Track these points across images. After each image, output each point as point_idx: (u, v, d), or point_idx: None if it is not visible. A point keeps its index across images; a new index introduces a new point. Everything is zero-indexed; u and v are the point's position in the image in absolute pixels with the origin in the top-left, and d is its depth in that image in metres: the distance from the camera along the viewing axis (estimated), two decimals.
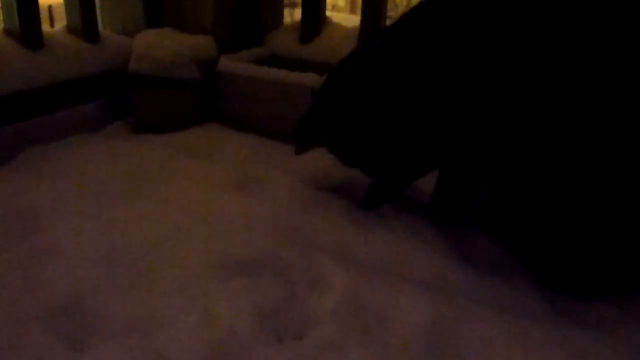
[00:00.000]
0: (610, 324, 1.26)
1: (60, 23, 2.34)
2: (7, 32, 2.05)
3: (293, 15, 3.78)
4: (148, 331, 1.16)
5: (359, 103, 1.50)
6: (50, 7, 3.51)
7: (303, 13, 2.42)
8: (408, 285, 1.31)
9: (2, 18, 2.14)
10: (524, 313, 1.26)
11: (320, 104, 1.61)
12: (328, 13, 2.56)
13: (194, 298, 1.24)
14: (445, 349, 1.15)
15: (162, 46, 2.13)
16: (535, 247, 1.38)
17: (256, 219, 1.55)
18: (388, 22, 2.46)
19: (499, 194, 1.43)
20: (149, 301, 1.24)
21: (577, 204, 1.26)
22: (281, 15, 2.68)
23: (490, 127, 1.35)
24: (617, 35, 1.19)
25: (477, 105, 1.35)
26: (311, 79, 2.00)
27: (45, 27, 2.19)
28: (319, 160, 1.86)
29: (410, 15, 1.48)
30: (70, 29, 2.22)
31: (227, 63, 2.18)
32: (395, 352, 1.13)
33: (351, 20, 2.52)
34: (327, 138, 1.63)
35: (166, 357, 1.10)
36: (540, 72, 1.26)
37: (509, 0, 1.31)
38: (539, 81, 1.26)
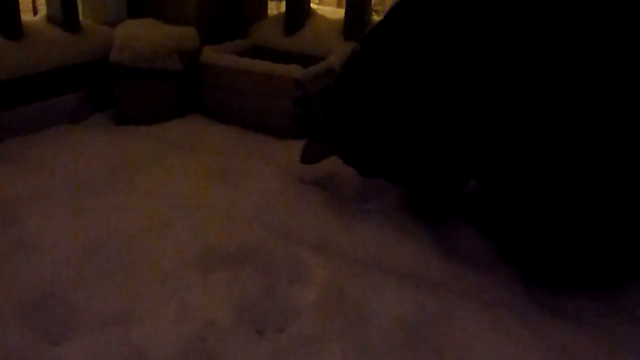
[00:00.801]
0: (591, 317, 1.26)
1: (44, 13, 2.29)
2: None
3: (280, 7, 3.76)
4: (125, 325, 1.14)
5: (358, 110, 1.49)
6: None
7: (287, 5, 2.40)
8: (391, 278, 1.31)
9: None
10: (507, 306, 1.26)
11: (328, 112, 1.58)
12: (315, 6, 2.55)
13: (173, 291, 1.22)
14: (427, 343, 1.14)
15: (143, 37, 2.09)
16: (519, 240, 1.38)
17: (237, 211, 1.53)
18: (374, 17, 2.45)
19: (485, 187, 1.42)
20: (127, 294, 1.22)
21: (560, 197, 1.26)
22: (265, 6, 2.65)
23: (479, 123, 1.35)
24: (607, 37, 1.19)
25: (467, 102, 1.34)
26: (295, 71, 1.99)
27: (27, 16, 2.15)
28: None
29: (392, 16, 1.47)
30: (50, 18, 2.18)
31: (210, 54, 2.16)
32: (377, 345, 1.13)
33: (338, 14, 2.50)
34: (339, 147, 1.59)
35: (143, 351, 1.08)
36: (530, 67, 1.25)
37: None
38: (529, 77, 1.26)
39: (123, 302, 1.20)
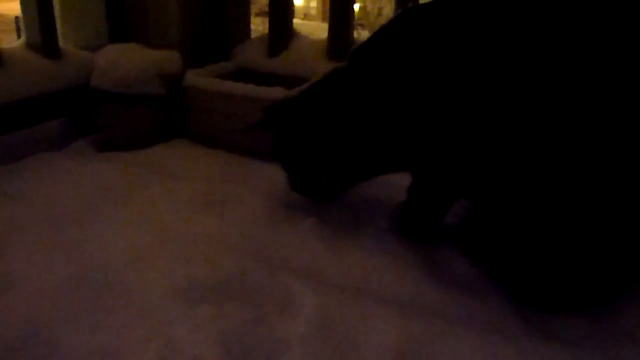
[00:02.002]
0: (583, 339, 1.24)
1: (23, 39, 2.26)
2: None
3: (265, 24, 3.76)
4: None
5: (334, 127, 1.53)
6: (17, 19, 3.42)
7: (270, 26, 2.39)
8: (380, 305, 1.28)
9: None
10: (498, 331, 1.23)
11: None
12: (300, 21, 2.55)
13: (156, 327, 1.19)
14: None
15: (125, 62, 2.08)
16: (509, 264, 1.37)
17: (223, 240, 1.51)
18: (359, 32, 2.46)
19: (474, 213, 1.41)
20: (109, 331, 1.18)
21: (549, 220, 1.25)
22: (249, 27, 2.65)
23: (461, 146, 1.34)
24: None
25: (450, 127, 1.34)
26: (279, 93, 1.97)
27: (10, 38, 2.12)
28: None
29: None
30: (29, 44, 2.15)
31: (193, 78, 2.14)
32: None
33: (323, 28, 2.50)
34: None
35: None
36: (511, 92, 1.25)
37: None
38: (510, 103, 1.25)
39: (106, 338, 1.17)
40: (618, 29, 1.18)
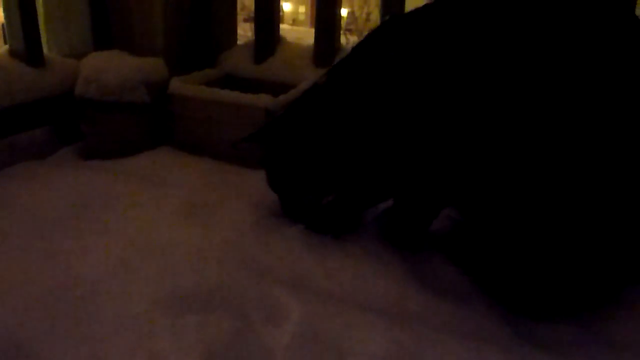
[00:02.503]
0: (571, 345, 1.24)
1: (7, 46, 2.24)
2: None
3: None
4: None
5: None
6: (3, 26, 3.39)
7: (256, 33, 2.38)
8: (366, 314, 1.27)
9: None
10: (484, 337, 1.23)
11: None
12: (288, 27, 2.54)
13: (140, 338, 1.17)
14: None
15: (110, 69, 2.06)
16: (497, 271, 1.37)
17: (208, 248, 1.49)
18: (347, 37, 2.45)
19: (462, 221, 1.41)
20: (92, 343, 1.16)
21: (535, 227, 1.25)
22: (235, 34, 2.64)
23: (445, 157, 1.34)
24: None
25: (430, 137, 1.34)
26: (264, 100, 1.97)
27: None
28: None
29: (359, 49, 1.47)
30: (13, 52, 2.13)
31: (178, 85, 2.13)
32: None
33: (311, 33, 2.49)
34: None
35: None
36: (486, 101, 1.25)
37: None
38: (483, 112, 1.26)
39: (90, 350, 1.15)
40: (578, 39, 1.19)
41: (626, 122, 1.18)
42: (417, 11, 1.38)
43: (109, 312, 1.26)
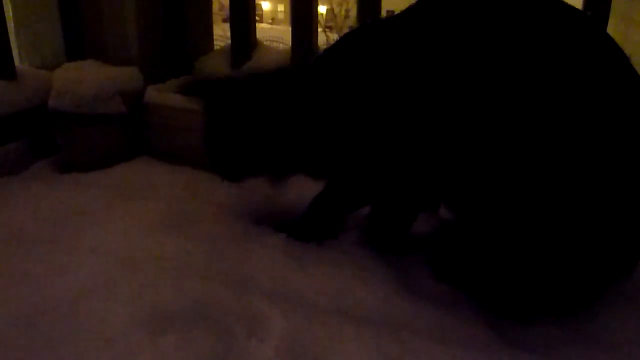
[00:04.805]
0: (559, 348, 1.23)
1: None
2: None
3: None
4: None
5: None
6: None
7: (232, 37, 2.35)
8: (351, 324, 1.25)
9: None
10: (472, 345, 1.22)
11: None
12: (268, 26, 2.53)
13: (120, 357, 1.14)
14: None
15: (84, 80, 2.02)
16: (479, 274, 1.36)
17: (189, 262, 1.46)
18: (327, 34, 2.43)
19: (444, 227, 1.40)
20: None
21: (518, 227, 1.25)
22: (211, 39, 2.61)
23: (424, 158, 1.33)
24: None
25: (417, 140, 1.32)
26: None
27: None
28: (257, 191, 1.79)
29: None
30: None
31: (154, 94, 2.10)
32: None
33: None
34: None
35: None
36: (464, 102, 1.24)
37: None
38: (461, 112, 1.25)
39: None
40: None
41: (603, 121, 1.18)
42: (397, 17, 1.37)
43: (87, 332, 1.22)
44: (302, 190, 1.66)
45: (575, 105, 1.17)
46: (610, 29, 1.66)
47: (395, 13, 1.43)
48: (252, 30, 2.36)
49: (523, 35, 1.21)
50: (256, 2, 2.38)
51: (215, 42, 2.64)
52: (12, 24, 2.25)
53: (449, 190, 1.36)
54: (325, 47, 1.66)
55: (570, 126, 1.17)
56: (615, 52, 1.22)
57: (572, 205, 1.19)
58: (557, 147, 1.17)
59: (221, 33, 3.60)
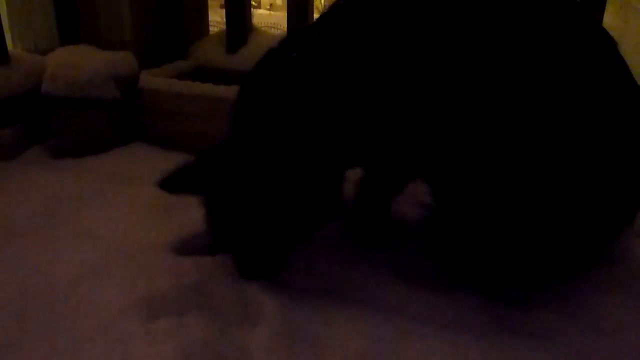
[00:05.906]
0: (552, 331, 1.24)
1: None
2: None
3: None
4: None
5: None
6: None
7: (227, 22, 2.33)
8: (343, 308, 1.26)
9: None
10: (463, 326, 1.22)
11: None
12: (266, 12, 2.50)
13: (114, 343, 1.14)
14: None
15: (77, 65, 2.00)
16: (467, 255, 1.36)
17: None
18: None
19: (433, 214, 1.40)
20: (64, 351, 1.13)
21: (499, 203, 1.24)
22: (207, 23, 2.59)
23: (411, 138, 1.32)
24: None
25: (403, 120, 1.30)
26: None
27: None
28: None
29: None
30: None
31: (149, 79, 2.08)
32: None
33: None
34: None
35: None
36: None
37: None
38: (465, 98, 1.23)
39: (61, 357, 1.12)
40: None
41: (583, 109, 1.18)
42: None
43: (81, 317, 1.22)
44: None
45: (554, 89, 1.16)
46: (610, 16, 1.65)
47: None
48: (248, 13, 2.35)
49: (506, 20, 1.20)
50: None
51: (212, 28, 2.62)
52: (5, 8, 2.24)
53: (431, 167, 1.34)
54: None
55: (548, 107, 1.16)
56: (602, 39, 1.21)
57: (558, 183, 1.19)
58: (534, 125, 1.17)
59: (219, 19, 3.57)
